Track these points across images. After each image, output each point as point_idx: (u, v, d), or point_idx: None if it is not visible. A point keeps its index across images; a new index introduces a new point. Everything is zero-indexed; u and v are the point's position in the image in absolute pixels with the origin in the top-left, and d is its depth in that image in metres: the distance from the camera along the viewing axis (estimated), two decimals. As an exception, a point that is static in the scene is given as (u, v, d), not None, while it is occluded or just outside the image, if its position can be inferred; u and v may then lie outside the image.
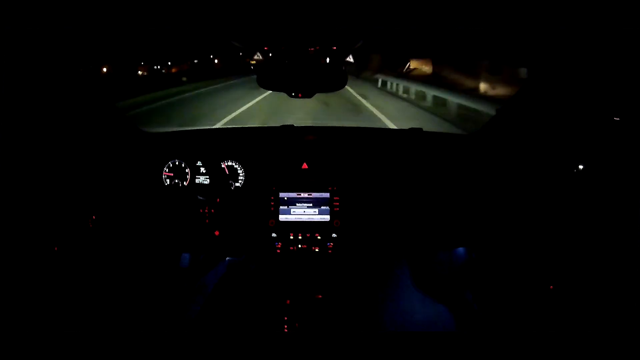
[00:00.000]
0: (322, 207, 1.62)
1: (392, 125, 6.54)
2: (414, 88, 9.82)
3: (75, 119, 1.36)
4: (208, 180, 1.68)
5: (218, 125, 6.73)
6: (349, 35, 1.17)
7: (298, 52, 1.27)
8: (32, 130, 1.13)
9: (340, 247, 1.62)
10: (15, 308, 1.02)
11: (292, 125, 1.74)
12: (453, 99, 7.61)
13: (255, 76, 1.35)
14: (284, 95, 1.37)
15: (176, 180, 1.68)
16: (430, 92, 8.69)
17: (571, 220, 1.28)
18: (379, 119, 7.20)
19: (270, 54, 1.31)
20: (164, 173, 1.67)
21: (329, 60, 1.30)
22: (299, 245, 1.61)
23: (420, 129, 1.73)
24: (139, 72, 16.09)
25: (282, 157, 1.67)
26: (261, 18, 0.93)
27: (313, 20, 0.95)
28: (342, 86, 1.34)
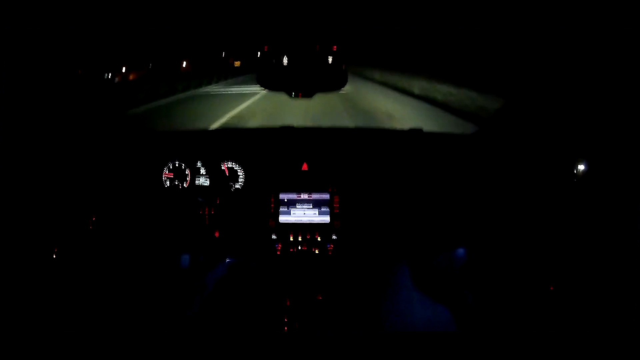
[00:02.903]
0: (322, 209, 1.62)
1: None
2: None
3: (76, 120, 1.36)
4: (208, 181, 1.68)
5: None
6: (349, 35, 1.17)
7: (298, 51, 1.27)
8: (32, 131, 1.13)
9: (341, 249, 1.62)
10: (16, 308, 1.01)
11: (292, 127, 1.74)
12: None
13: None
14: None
15: (176, 181, 1.68)
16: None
17: (572, 220, 1.27)
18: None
19: (271, 54, 1.31)
20: (164, 174, 1.67)
21: (329, 60, 1.30)
22: (299, 247, 1.61)
23: (420, 130, 1.73)
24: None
25: (282, 158, 1.66)
26: (262, 17, 0.93)
27: (313, 20, 0.95)
28: (342, 86, 1.35)
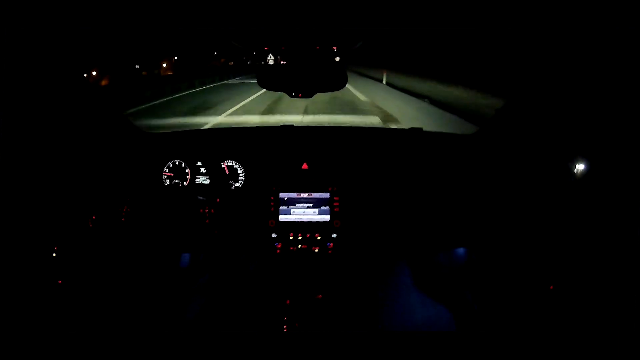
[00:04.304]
0: (322, 208, 1.62)
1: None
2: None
3: (76, 120, 1.36)
4: (208, 180, 1.68)
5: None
6: (349, 35, 1.17)
7: (298, 51, 1.27)
8: (32, 131, 1.13)
9: (340, 248, 1.62)
10: (15, 308, 1.01)
11: (292, 126, 1.74)
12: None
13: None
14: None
15: (176, 181, 1.68)
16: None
17: (571, 220, 1.28)
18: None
19: (271, 54, 1.31)
20: (164, 173, 1.67)
21: (329, 60, 1.30)
22: (299, 246, 1.61)
23: (420, 129, 1.73)
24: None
25: (282, 157, 1.66)
26: (262, 18, 0.93)
27: (313, 20, 0.95)
28: (342, 86, 1.34)
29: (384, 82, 15.90)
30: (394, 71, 15.89)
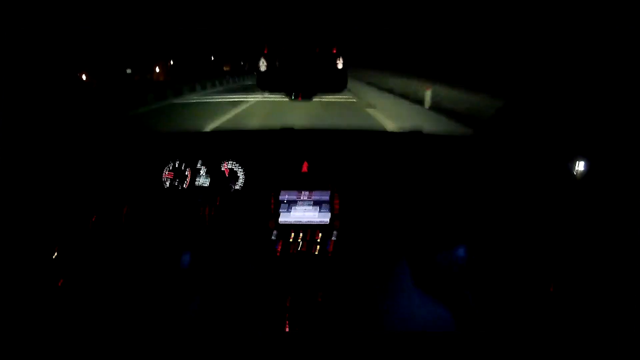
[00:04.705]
0: (323, 209, 1.62)
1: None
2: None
3: (76, 120, 1.36)
4: (208, 181, 1.68)
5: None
6: (349, 35, 1.17)
7: (298, 52, 1.27)
8: (33, 131, 1.13)
9: (341, 248, 1.62)
10: (16, 309, 1.02)
11: (293, 128, 1.74)
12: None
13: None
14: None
15: (176, 182, 1.68)
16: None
17: (572, 220, 1.27)
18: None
19: (270, 55, 1.31)
20: (164, 174, 1.68)
21: (329, 61, 1.31)
22: (299, 247, 1.61)
23: (420, 131, 1.73)
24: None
25: (282, 159, 1.67)
26: (262, 18, 0.93)
27: (313, 21, 0.95)
28: (342, 87, 1.35)
29: (426, 104, 10.35)
30: (410, 76, 11.37)
